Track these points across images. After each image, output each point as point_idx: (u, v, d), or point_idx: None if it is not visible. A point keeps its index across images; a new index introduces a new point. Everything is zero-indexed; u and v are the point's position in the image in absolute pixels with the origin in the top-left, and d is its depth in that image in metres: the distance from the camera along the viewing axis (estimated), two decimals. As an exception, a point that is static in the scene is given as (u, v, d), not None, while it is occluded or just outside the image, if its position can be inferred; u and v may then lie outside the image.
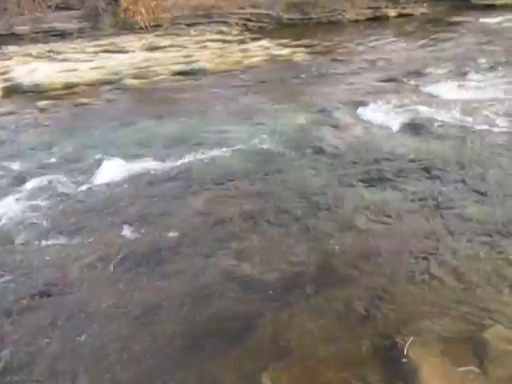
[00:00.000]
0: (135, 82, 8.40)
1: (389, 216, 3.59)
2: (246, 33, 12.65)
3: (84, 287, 3.09)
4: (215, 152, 4.95)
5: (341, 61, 8.26)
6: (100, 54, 10.76)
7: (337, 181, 4.19)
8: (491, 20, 10.05)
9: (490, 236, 3.25)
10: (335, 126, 5.46)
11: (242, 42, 11.36)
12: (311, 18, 13.23)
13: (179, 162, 4.78)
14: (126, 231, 3.61)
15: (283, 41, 10.72)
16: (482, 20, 10.16)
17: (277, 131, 5.39)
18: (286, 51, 9.76)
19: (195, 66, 9.03)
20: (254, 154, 4.91)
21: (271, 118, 5.85)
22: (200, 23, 13.36)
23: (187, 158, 4.84)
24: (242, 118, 5.99)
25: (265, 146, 5.02)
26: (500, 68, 6.86)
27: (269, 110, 6.22)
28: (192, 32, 12.80)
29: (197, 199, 4.10)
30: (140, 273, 3.17)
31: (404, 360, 2.32)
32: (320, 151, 4.84)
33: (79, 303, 2.93)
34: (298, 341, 2.52)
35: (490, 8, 11.24)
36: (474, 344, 2.40)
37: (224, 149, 5.01)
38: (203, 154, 4.91)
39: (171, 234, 3.55)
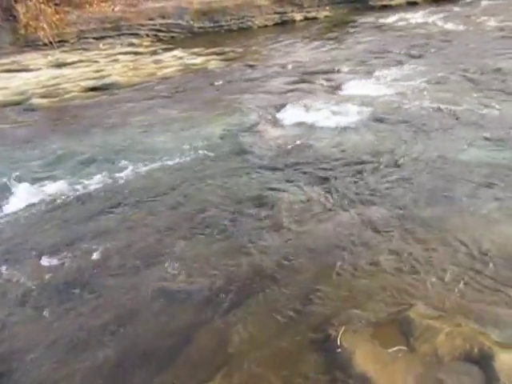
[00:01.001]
0: (44, 101, 7.97)
1: (313, 213, 3.71)
2: (157, 44, 12.50)
3: (8, 322, 2.88)
4: (136, 166, 4.83)
5: (254, 66, 8.43)
6: (1, 75, 10.08)
7: (262, 183, 4.26)
8: (389, 19, 10.77)
9: (406, 225, 3.48)
10: (256, 131, 5.56)
11: (154, 53, 11.20)
12: (222, 26, 13.37)
13: (96, 181, 4.61)
14: (45, 260, 3.41)
15: (196, 49, 10.72)
16: (380, 20, 10.84)
17: (198, 140, 5.38)
18: (199, 60, 9.78)
19: (107, 80, 8.76)
20: (177, 164, 4.86)
21: (191, 128, 5.83)
22: (109, 36, 12.99)
23: (105, 176, 4.68)
24: (162, 130, 5.91)
25: (187, 156, 4.99)
26: (401, 63, 7.36)
27: (188, 119, 6.19)
28: (101, 46, 12.40)
29: (118, 216, 3.97)
30: (65, 300, 3.01)
31: (338, 350, 2.41)
32: (243, 156, 4.90)
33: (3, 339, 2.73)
34: (237, 347, 2.53)
35: (387, 8, 12.05)
36: (400, 324, 2.54)
37: (145, 162, 4.91)
38: (122, 169, 4.77)
39: (94, 257, 3.41)
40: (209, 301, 2.84)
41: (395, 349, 2.40)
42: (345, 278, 2.95)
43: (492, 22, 9.19)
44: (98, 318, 2.84)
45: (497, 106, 5.29)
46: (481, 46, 7.80)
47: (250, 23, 13.37)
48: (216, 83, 7.77)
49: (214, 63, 9.32)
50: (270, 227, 3.55)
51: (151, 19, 13.54)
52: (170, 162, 4.90)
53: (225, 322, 2.67)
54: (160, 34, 13.36)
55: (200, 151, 5.07)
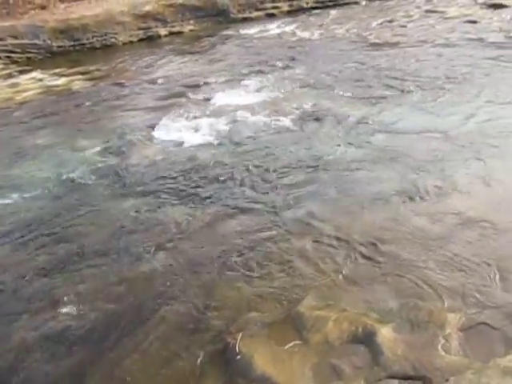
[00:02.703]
0: None
1: (193, 228, 3.74)
2: (11, 66, 11.46)
3: None
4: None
5: (122, 84, 8.19)
6: None
7: (140, 204, 4.17)
8: (251, 31, 11.26)
9: (282, 228, 3.66)
10: (129, 151, 5.40)
11: (10, 76, 10.27)
12: (83, 44, 12.74)
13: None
14: None
15: (57, 70, 10.08)
16: (243, 32, 11.28)
17: (67, 167, 5.07)
18: (62, 81, 9.21)
19: (-45, 110, 7.80)
20: (48, 196, 4.53)
21: (59, 155, 5.46)
22: (-48, 61, 11.59)
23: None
24: (25, 160, 5.44)
25: (57, 186, 4.68)
26: (266, 71, 7.74)
27: (55, 145, 5.79)
28: None
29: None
30: None
31: (238, 357, 2.45)
32: (119, 178, 4.74)
33: None
34: (135, 375, 2.43)
35: (248, 20, 12.57)
36: (292, 320, 2.67)
37: (8, 196, 4.49)
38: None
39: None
40: (97, 336, 2.69)
41: (291, 344, 2.51)
42: (235, 285, 3.01)
43: (341, 30, 10.13)
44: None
45: (358, 105, 5.84)
46: (334, 51, 8.56)
47: (113, 40, 12.95)
48: (83, 104, 7.39)
49: (78, 83, 8.86)
50: (151, 247, 3.49)
51: (1, 39, 12.41)
52: (40, 194, 4.54)
53: (117, 355, 2.55)
54: (14, 55, 12.28)
55: (71, 179, 4.79)
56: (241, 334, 2.58)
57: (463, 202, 3.60)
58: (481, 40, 8.15)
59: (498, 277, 2.82)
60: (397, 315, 2.62)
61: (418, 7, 11.30)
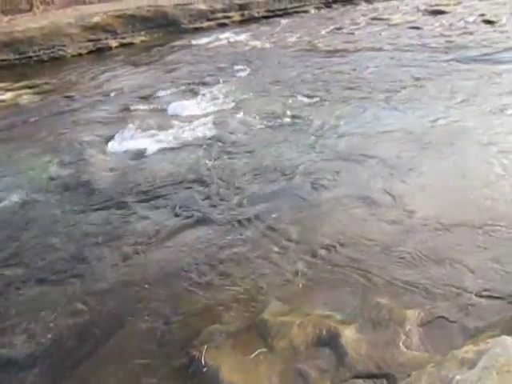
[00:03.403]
0: None
1: (157, 239, 3.68)
2: (-48, 82, 10.93)
3: None
4: None
5: (73, 97, 7.97)
6: None
7: (103, 218, 4.07)
8: (203, 40, 11.28)
9: (247, 231, 3.67)
10: (86, 164, 5.25)
11: (-49, 92, 9.78)
12: (30, 57, 12.32)
13: None
14: None
15: (3, 84, 9.69)
16: (195, 42, 11.28)
17: (21, 185, 4.87)
18: (8, 95, 8.86)
19: None
20: (1, 216, 4.34)
21: (10, 174, 5.24)
22: None
23: None
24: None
25: (12, 206, 4.50)
26: (220, 80, 7.76)
27: (4, 163, 5.56)
28: None
29: None
30: None
31: (204, 369, 2.42)
32: (77, 193, 4.60)
33: None
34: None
35: (199, 30, 12.59)
36: (257, 328, 2.67)
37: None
38: None
39: None
40: (59, 354, 2.59)
41: (256, 353, 2.50)
42: (199, 296, 2.98)
43: (292, 38, 10.33)
44: None
45: (313, 110, 5.95)
46: (287, 59, 8.70)
47: (62, 52, 12.61)
48: (32, 119, 7.13)
49: (26, 98, 8.55)
50: (114, 261, 3.41)
51: None
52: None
53: (79, 373, 2.46)
54: (-46, 70, 11.72)
55: (24, 198, 4.60)
56: (206, 346, 2.55)
57: (418, 204, 3.73)
58: (425, 45, 8.54)
59: (450, 272, 2.94)
60: (359, 315, 2.67)
61: (364, 15, 11.70)
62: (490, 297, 2.73)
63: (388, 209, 3.71)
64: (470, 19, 10.17)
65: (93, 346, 2.69)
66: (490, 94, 5.89)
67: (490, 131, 4.81)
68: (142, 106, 7.02)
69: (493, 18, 9.90)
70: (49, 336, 2.80)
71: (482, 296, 2.73)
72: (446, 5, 11.78)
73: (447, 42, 8.57)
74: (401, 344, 2.44)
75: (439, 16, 10.73)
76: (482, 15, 10.29)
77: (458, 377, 1.50)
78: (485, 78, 6.51)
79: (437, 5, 11.88)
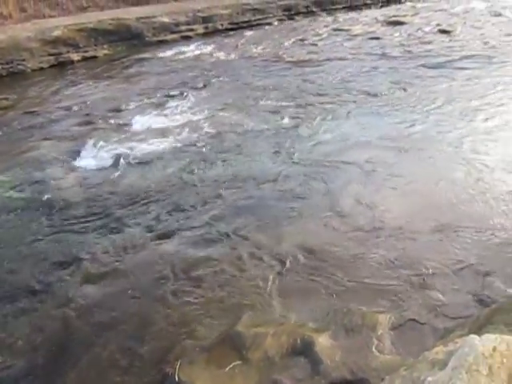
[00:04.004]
0: None
1: (123, 256, 3.61)
2: None
3: None
4: None
5: (35, 112, 7.75)
6: None
7: (69, 240, 3.95)
8: (167, 53, 11.22)
9: (216, 243, 3.65)
10: (50, 181, 5.10)
11: None
12: (-12, 73, 11.97)
13: None
14: None
15: (-41, 101, 9.36)
16: (159, 54, 11.21)
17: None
18: (-35, 112, 8.55)
19: None
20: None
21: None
22: None
23: None
24: None
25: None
26: (186, 93, 7.73)
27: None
28: None
29: None
30: None
31: (178, 386, 2.37)
32: (43, 211, 4.46)
33: None
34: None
35: (163, 43, 12.52)
36: (231, 340, 2.64)
37: None
38: None
39: None
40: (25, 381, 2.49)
41: (231, 366, 2.47)
42: (171, 311, 2.93)
43: (257, 50, 10.42)
44: None
45: (279, 120, 6.01)
46: (252, 70, 8.76)
47: (21, 67, 12.28)
48: (-9, 136, 6.90)
49: (-16, 114, 8.27)
50: (81, 281, 3.31)
51: None
52: None
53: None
54: None
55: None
56: (179, 362, 2.51)
57: (389, 210, 3.81)
58: (386, 54, 8.79)
59: (419, 276, 3.01)
60: (332, 322, 2.69)
61: (326, 26, 11.95)
62: (458, 297, 2.80)
63: (358, 215, 3.77)
64: (427, 29, 10.55)
65: (62, 366, 2.60)
66: (455, 99, 6.13)
67: (462, 135, 5.00)
68: (106, 120, 6.90)
69: (448, 28, 10.30)
70: (14, 360, 2.68)
71: (450, 296, 2.80)
72: (404, 16, 12.19)
73: (406, 51, 8.85)
74: (374, 349, 2.47)
75: (398, 26, 11.07)
76: (438, 25, 10.70)
77: (429, 378, 1.52)
78: (447, 84, 6.77)
79: (395, 16, 12.27)
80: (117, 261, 3.54)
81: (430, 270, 3.05)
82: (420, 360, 1.78)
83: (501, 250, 3.21)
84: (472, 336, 1.58)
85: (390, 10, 13.19)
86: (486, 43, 8.86)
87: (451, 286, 2.89)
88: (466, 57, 8.06)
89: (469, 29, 10.21)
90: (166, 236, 3.80)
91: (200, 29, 13.15)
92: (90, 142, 6.02)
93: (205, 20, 13.27)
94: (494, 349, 1.46)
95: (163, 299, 3.06)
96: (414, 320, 2.66)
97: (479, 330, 2.09)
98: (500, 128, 5.18)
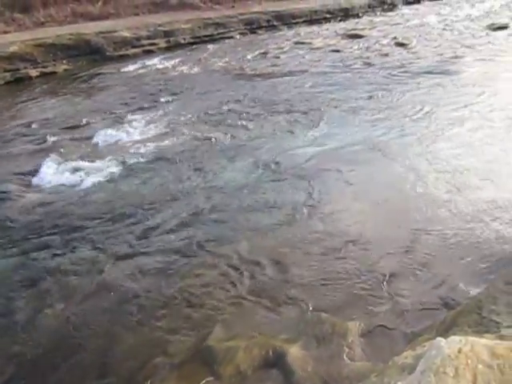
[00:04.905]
0: None
1: (89, 276, 3.51)
2: None
3: None
4: None
5: (-9, 130, 7.51)
6: None
7: (33, 264, 3.81)
8: (129, 68, 11.11)
9: (182, 261, 3.61)
10: (8, 201, 4.92)
11: None
12: None
13: None
14: None
15: None
16: (121, 69, 11.08)
17: None
18: None
19: None
20: None
21: None
22: None
23: None
24: None
25: None
26: (149, 107, 7.66)
27: None
28: None
29: None
30: None
31: (149, 406, 2.31)
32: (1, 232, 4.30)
33: None
34: None
35: (125, 57, 12.39)
36: (202, 356, 2.60)
37: None
38: None
39: None
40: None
41: (203, 382, 2.43)
42: (139, 329, 2.86)
43: (220, 63, 10.47)
44: None
45: (242, 132, 6.03)
46: (215, 83, 8.79)
47: (-24, 84, 11.89)
48: None
49: None
50: (41, 304, 3.19)
51: None
52: None
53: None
54: None
55: None
56: (149, 381, 2.45)
57: (350, 219, 3.88)
58: (347, 66, 9.02)
59: (384, 282, 3.06)
60: (303, 332, 2.69)
61: (288, 40, 12.16)
62: (423, 300, 2.87)
63: (321, 226, 3.82)
64: (385, 42, 10.92)
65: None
66: (415, 106, 6.34)
67: (418, 139, 5.18)
68: (67, 137, 6.73)
69: (404, 41, 10.69)
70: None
71: (414, 299, 2.87)
72: (362, 29, 12.56)
73: (366, 63, 9.11)
74: (345, 356, 2.49)
75: (356, 40, 11.40)
76: (395, 38, 11.08)
77: (399, 383, 1.54)
78: (407, 92, 7.01)
79: (353, 29, 12.63)
80: (80, 281, 3.44)
81: (395, 276, 3.11)
82: (390, 365, 1.80)
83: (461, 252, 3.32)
84: (438, 339, 1.62)
85: (349, 24, 13.57)
86: (439, 54, 9.25)
87: (416, 289, 2.96)
88: (422, 67, 8.38)
89: (423, 41, 10.63)
90: (127, 255, 3.71)
91: (162, 43, 13.11)
92: (50, 159, 5.86)
93: (166, 34, 13.26)
94: (460, 350, 1.49)
95: (130, 318, 2.99)
96: (382, 326, 2.70)
97: (446, 332, 2.14)
98: (459, 133, 5.41)
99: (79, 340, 2.85)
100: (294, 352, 2.53)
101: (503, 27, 11.36)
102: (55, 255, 3.82)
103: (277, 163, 5.08)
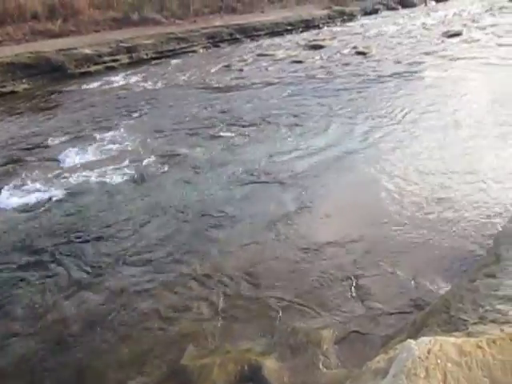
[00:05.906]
0: None
1: (56, 300, 3.40)
2: None
3: None
4: None
5: None
6: None
7: None
8: (92, 85, 10.94)
9: (158, 278, 3.54)
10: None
11: None
12: None
13: None
14: None
15: None
16: (84, 86, 10.90)
17: None
18: None
19: None
20: None
21: None
22: None
23: None
24: None
25: None
26: (116, 125, 7.55)
27: None
28: None
29: None
30: None
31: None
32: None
33: None
34: None
35: (87, 74, 12.21)
36: (176, 376, 2.55)
37: None
38: None
39: None
40: None
41: (179, 402, 2.38)
42: (111, 353, 2.78)
43: (184, 77, 10.46)
44: None
45: (210, 146, 6.03)
46: (180, 98, 8.76)
47: None
48: None
49: None
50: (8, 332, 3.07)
51: None
52: None
53: None
54: None
55: None
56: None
57: (324, 228, 3.92)
58: (309, 76, 9.17)
59: (356, 287, 3.09)
60: (277, 344, 2.68)
61: (251, 52, 12.28)
62: (393, 303, 2.91)
63: (293, 235, 3.83)
64: (345, 51, 11.18)
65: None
66: (378, 113, 6.49)
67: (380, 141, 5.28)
68: (30, 157, 6.55)
69: (364, 50, 10.97)
70: None
71: (385, 303, 2.90)
72: (323, 40, 12.83)
73: (328, 72, 9.30)
74: (320, 365, 2.49)
75: (318, 50, 11.63)
76: (355, 48, 11.36)
77: (373, 388, 1.55)
78: (368, 99, 7.18)
79: (315, 40, 12.89)
80: (47, 305, 3.32)
81: (368, 280, 3.15)
82: (364, 371, 1.82)
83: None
84: (409, 341, 1.64)
85: (310, 35, 13.84)
86: (398, 62, 9.54)
87: (386, 291, 3.00)
88: (382, 75, 8.62)
89: (383, 49, 10.94)
90: (98, 275, 3.62)
91: (124, 59, 12.99)
92: (12, 180, 5.68)
93: (129, 50, 13.15)
94: (429, 351, 1.52)
95: (101, 341, 2.90)
96: (356, 332, 2.71)
97: (417, 333, 2.17)
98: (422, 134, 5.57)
99: (47, 364, 2.74)
100: (270, 364, 2.51)
101: (457, 34, 11.86)
102: (16, 277, 3.69)
103: (248, 173, 5.09)
